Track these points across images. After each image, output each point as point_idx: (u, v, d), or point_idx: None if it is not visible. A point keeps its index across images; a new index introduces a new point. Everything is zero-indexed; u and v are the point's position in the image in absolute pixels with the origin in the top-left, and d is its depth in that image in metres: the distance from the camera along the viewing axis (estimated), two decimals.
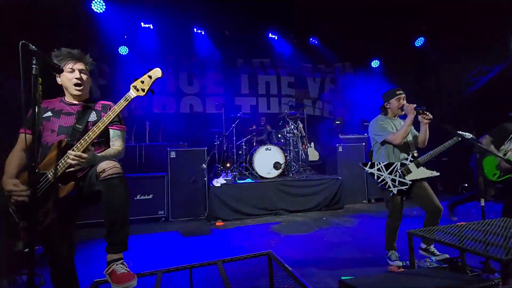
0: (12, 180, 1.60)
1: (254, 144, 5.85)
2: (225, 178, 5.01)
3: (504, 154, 3.44)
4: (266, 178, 5.34)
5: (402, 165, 2.63)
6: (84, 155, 1.53)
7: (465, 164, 3.97)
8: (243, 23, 6.96)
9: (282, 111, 7.38)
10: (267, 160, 5.40)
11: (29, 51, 1.47)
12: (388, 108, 2.80)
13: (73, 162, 1.52)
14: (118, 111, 1.65)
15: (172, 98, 7.26)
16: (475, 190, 3.57)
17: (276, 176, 5.43)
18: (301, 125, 6.33)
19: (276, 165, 5.43)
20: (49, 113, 1.79)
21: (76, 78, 1.79)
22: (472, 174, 3.99)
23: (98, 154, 1.68)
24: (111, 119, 1.63)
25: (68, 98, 1.88)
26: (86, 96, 1.91)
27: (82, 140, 1.59)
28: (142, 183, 4.78)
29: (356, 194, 5.77)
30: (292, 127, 5.96)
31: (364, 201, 5.79)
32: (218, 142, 5.62)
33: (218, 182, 4.86)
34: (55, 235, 1.68)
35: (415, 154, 2.69)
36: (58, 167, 1.59)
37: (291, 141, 5.88)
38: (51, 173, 1.59)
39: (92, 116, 1.80)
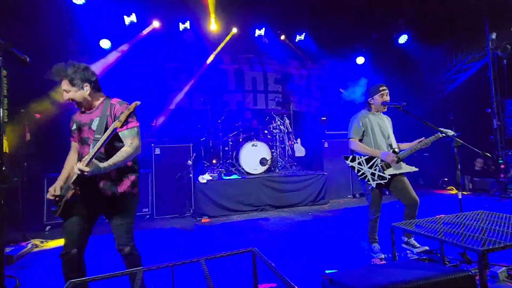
0: (57, 184, 1.88)
1: (241, 140, 5.81)
2: (211, 174, 4.96)
3: None
4: (253, 174, 5.33)
5: (382, 160, 2.68)
6: (86, 168, 1.61)
7: (446, 159, 4.12)
8: (230, 18, 6.88)
9: (268, 107, 7.36)
10: (253, 156, 5.38)
11: None
12: (372, 103, 2.83)
13: (78, 172, 1.62)
14: (102, 143, 1.68)
15: (159, 94, 7.09)
16: None
17: (262, 172, 5.43)
18: (287, 121, 6.33)
19: (263, 161, 5.42)
20: (74, 126, 1.95)
21: (66, 100, 1.86)
22: None
23: (105, 163, 1.73)
24: (98, 148, 1.66)
25: (82, 108, 1.96)
26: (91, 102, 1.93)
27: (87, 155, 1.68)
28: None
29: (341, 189, 5.86)
30: (279, 123, 5.96)
31: (349, 196, 5.89)
32: (204, 138, 5.55)
33: (203, 178, 4.81)
34: (78, 226, 1.83)
35: (396, 150, 2.74)
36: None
37: (277, 137, 5.88)
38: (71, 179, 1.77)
39: (107, 121, 1.87)
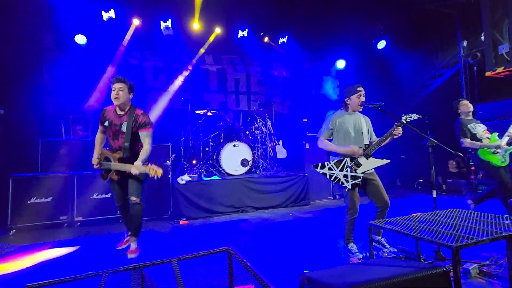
0: (95, 155, 3.02)
1: (222, 140, 5.73)
2: (190, 175, 4.84)
3: (487, 137, 3.64)
4: (233, 175, 5.26)
5: (352, 159, 2.70)
6: (140, 169, 2.67)
7: (421, 161, 4.26)
8: (213, 19, 6.81)
9: (251, 109, 7.33)
10: (234, 157, 5.32)
11: None
12: (348, 103, 2.86)
13: (136, 173, 2.68)
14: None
15: (136, 92, 6.87)
16: (494, 185, 3.76)
17: (243, 173, 5.37)
18: (269, 123, 6.32)
19: (244, 162, 5.37)
20: (106, 123, 2.93)
21: (114, 93, 2.81)
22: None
23: (139, 162, 2.73)
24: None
25: (117, 109, 2.90)
26: (126, 105, 2.90)
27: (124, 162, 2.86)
28: (100, 180, 4.42)
29: (321, 191, 5.91)
30: (261, 124, 5.94)
31: (329, 197, 5.95)
32: (183, 138, 5.42)
33: (182, 179, 4.69)
34: (119, 189, 3.04)
35: (366, 145, 2.78)
36: (116, 166, 2.87)
37: (259, 138, 5.85)
38: (111, 162, 2.92)
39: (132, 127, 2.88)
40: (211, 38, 7.13)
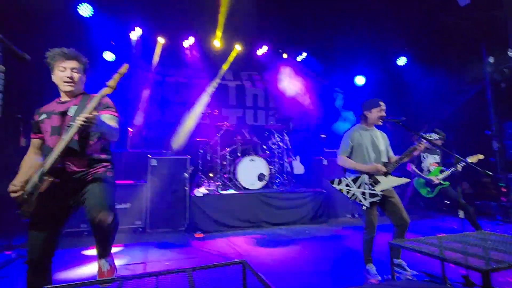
0: (13, 182, 1.73)
1: (239, 154, 5.76)
2: (207, 188, 4.88)
3: (428, 170, 4.17)
4: (250, 189, 5.24)
5: (370, 176, 2.62)
6: (93, 115, 1.61)
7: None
8: (233, 36, 7.04)
9: (268, 124, 7.37)
10: (251, 171, 5.31)
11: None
12: (368, 116, 2.81)
13: (82, 122, 1.59)
14: (94, 105, 1.71)
15: (158, 106, 7.14)
16: None
17: (260, 188, 5.33)
18: (287, 138, 6.31)
19: (260, 177, 5.34)
20: (43, 116, 1.90)
21: (66, 76, 1.89)
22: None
23: (103, 120, 1.77)
24: (93, 107, 1.69)
25: (62, 97, 1.98)
26: (77, 91, 2.00)
27: (63, 141, 1.67)
28: (120, 191, 4.56)
29: (340, 209, 5.73)
30: (278, 139, 5.94)
31: (348, 216, 5.75)
32: (202, 151, 5.50)
33: (199, 192, 4.72)
34: (43, 232, 1.76)
35: (385, 162, 2.70)
36: (49, 158, 1.67)
37: (276, 153, 5.84)
38: (43, 168, 1.67)
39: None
40: (232, 56, 7.36)
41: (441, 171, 4.09)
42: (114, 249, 3.63)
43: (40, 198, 1.68)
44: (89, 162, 1.88)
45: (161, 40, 6.76)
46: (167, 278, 1.51)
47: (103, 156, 1.97)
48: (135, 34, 6.51)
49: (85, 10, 5.42)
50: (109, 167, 1.98)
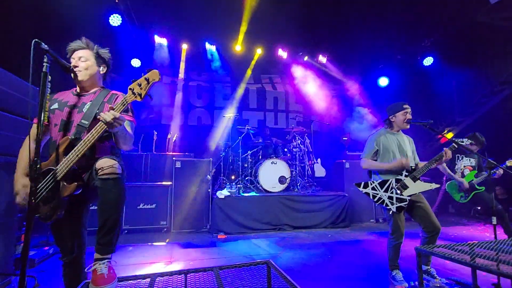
0: (23, 180, 1.65)
1: (260, 157, 5.81)
2: (229, 190, 4.95)
3: (462, 172, 3.92)
4: (271, 192, 5.26)
5: (397, 180, 2.56)
6: (117, 114, 1.52)
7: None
8: (254, 41, 7.14)
9: (289, 126, 7.38)
10: (272, 174, 5.34)
11: (41, 49, 1.52)
12: (393, 121, 2.76)
13: (111, 121, 1.50)
14: (121, 107, 1.63)
15: (181, 110, 7.37)
16: None
17: (281, 191, 5.34)
18: (308, 141, 6.29)
19: (282, 179, 5.36)
20: (55, 105, 1.78)
21: (73, 65, 1.78)
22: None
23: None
24: (120, 109, 1.61)
25: (77, 89, 1.87)
26: (92, 85, 1.88)
27: (86, 139, 1.59)
28: (146, 192, 4.76)
29: (363, 213, 5.61)
30: (299, 142, 5.93)
31: (371, 220, 5.62)
32: (223, 154, 5.61)
33: (222, 193, 4.81)
34: (65, 231, 1.72)
35: (413, 168, 2.63)
36: (62, 165, 1.60)
37: (297, 156, 5.83)
38: (57, 171, 1.60)
39: (100, 111, 1.73)
40: (255, 60, 7.48)
41: (476, 176, 3.85)
42: (140, 249, 3.80)
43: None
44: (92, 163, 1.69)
45: (184, 46, 6.99)
46: (195, 276, 1.57)
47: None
48: (159, 40, 6.78)
49: (115, 20, 5.73)
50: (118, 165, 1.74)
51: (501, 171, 3.60)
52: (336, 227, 5.10)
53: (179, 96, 7.33)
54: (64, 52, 1.90)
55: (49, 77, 1.56)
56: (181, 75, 7.45)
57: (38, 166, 1.44)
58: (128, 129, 1.77)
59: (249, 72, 7.60)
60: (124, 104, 1.62)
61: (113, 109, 1.56)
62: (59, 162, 1.61)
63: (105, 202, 1.52)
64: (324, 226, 5.07)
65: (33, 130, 1.73)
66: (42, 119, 1.48)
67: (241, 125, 6.17)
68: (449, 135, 6.80)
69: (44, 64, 1.52)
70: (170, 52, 7.00)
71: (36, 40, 1.47)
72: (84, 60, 1.82)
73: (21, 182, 1.65)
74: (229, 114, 6.43)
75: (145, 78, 1.63)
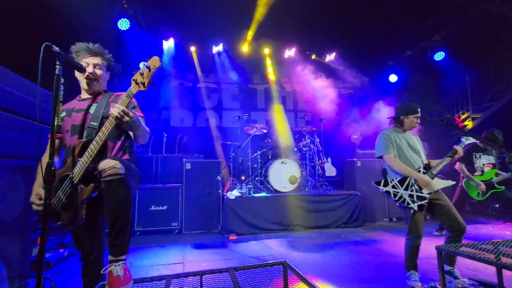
0: (38, 190, 1.65)
1: (270, 157, 5.77)
2: (240, 190, 4.93)
3: (482, 170, 3.87)
4: (282, 192, 5.22)
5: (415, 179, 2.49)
6: (130, 113, 1.55)
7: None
8: (262, 41, 7.13)
9: (298, 126, 7.32)
10: (282, 174, 5.29)
11: (52, 52, 1.52)
12: (404, 121, 2.71)
13: (118, 115, 1.53)
14: (127, 101, 1.65)
15: (190, 112, 7.40)
16: None
17: (291, 191, 5.29)
18: (317, 140, 6.21)
19: (292, 179, 5.30)
20: (63, 113, 1.82)
21: (89, 73, 1.80)
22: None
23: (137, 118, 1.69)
24: (126, 103, 1.63)
25: (82, 94, 1.91)
26: (100, 90, 1.92)
27: (98, 138, 1.60)
28: (157, 194, 4.78)
29: (376, 212, 5.51)
30: (309, 141, 5.86)
31: (385, 219, 5.51)
32: (233, 154, 5.59)
33: (232, 194, 4.79)
34: (82, 233, 1.71)
35: (429, 165, 2.55)
36: (77, 167, 1.61)
37: (307, 155, 5.76)
38: (72, 175, 1.61)
39: (106, 111, 1.76)
40: (266, 60, 7.51)
41: (497, 174, 3.77)
42: (153, 250, 3.81)
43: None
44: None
45: (192, 48, 7.04)
46: (211, 278, 1.55)
47: (126, 157, 1.83)
48: (167, 43, 6.83)
49: (123, 24, 5.79)
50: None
51: None
52: (349, 226, 5.01)
53: (187, 98, 7.37)
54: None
55: (62, 79, 1.57)
56: (187, 76, 7.50)
57: (52, 168, 1.45)
58: (143, 123, 1.81)
59: (272, 76, 7.71)
60: (130, 96, 1.63)
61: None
62: (75, 166, 1.62)
63: (111, 204, 1.50)
64: (337, 226, 4.99)
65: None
66: (55, 121, 1.48)
67: (250, 125, 6.14)
68: (469, 125, 6.60)
69: (57, 66, 1.53)
70: (178, 54, 7.05)
71: (47, 43, 1.47)
72: (99, 68, 1.87)
73: (36, 191, 1.65)
74: (238, 114, 6.42)
75: (146, 66, 1.62)
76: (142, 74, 1.62)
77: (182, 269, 3.00)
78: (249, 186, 5.14)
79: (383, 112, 6.93)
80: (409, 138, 2.74)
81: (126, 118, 1.56)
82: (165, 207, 4.76)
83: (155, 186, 4.86)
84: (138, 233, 4.61)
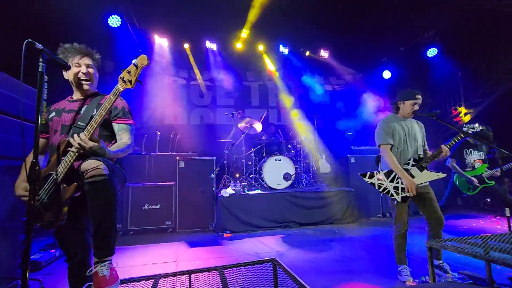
0: (23, 184, 1.64)
1: (264, 154, 5.76)
2: (234, 188, 4.91)
3: (473, 166, 3.96)
4: (276, 189, 5.21)
5: (404, 171, 2.50)
6: (89, 143, 1.48)
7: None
8: (255, 37, 7.08)
9: (293, 122, 7.32)
10: (277, 171, 5.29)
11: (35, 49, 1.49)
12: (400, 107, 2.67)
13: (76, 146, 1.48)
14: (109, 107, 1.60)
15: (184, 110, 7.34)
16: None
17: (286, 187, 5.29)
18: (312, 136, 6.22)
19: (286, 176, 5.30)
20: (53, 114, 1.81)
21: (82, 73, 1.80)
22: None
23: (110, 149, 1.62)
24: (102, 116, 1.58)
25: (74, 95, 1.89)
26: (93, 90, 1.91)
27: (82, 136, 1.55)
28: (150, 192, 4.75)
29: (370, 208, 5.55)
30: (303, 138, 5.86)
31: (378, 215, 5.55)
32: (227, 152, 5.57)
33: (226, 192, 4.77)
34: (67, 234, 1.69)
35: (421, 156, 2.56)
36: (61, 166, 1.59)
37: (301, 152, 5.76)
38: (55, 174, 1.60)
39: (96, 113, 1.69)
40: (264, 56, 7.56)
41: (487, 170, 3.85)
42: (146, 249, 3.79)
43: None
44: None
45: (186, 46, 6.97)
46: (200, 276, 1.54)
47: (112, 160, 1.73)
48: (160, 40, 6.75)
49: (114, 21, 5.70)
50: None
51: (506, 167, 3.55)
52: (343, 222, 5.04)
53: (181, 95, 7.32)
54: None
55: (46, 77, 1.53)
56: (180, 74, 7.44)
57: (37, 167, 1.42)
58: (127, 133, 1.79)
59: (275, 73, 7.69)
60: (116, 94, 1.60)
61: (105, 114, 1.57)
62: (59, 165, 1.60)
63: (95, 206, 1.45)
64: (331, 222, 5.01)
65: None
66: (39, 119, 1.45)
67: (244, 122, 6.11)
68: (467, 118, 6.66)
69: (40, 64, 1.49)
70: (171, 52, 6.97)
71: (29, 40, 1.43)
72: (91, 68, 1.86)
73: (22, 186, 1.64)
74: (232, 112, 6.38)
75: (134, 64, 1.60)
76: (129, 72, 1.60)
77: (175, 267, 2.98)
78: (243, 183, 5.13)
79: (371, 104, 6.97)
80: (410, 125, 2.69)
81: (86, 148, 1.49)
82: (158, 206, 4.73)
83: (148, 185, 4.83)
84: (132, 232, 4.58)
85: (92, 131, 1.54)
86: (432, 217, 2.49)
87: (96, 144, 1.50)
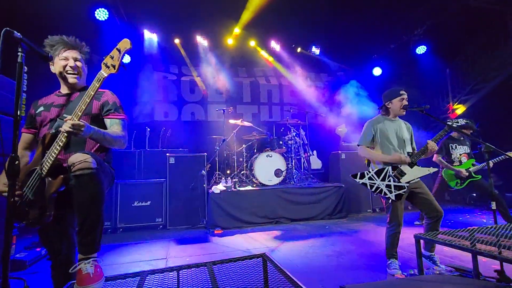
0: (4, 179, 1.56)
1: (255, 151, 5.74)
2: (225, 185, 4.88)
3: (460, 161, 4.00)
4: (267, 185, 5.21)
5: (394, 168, 2.52)
6: (82, 123, 1.43)
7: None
8: (245, 33, 7.02)
9: (284, 119, 7.31)
10: (268, 167, 5.28)
11: (14, 38, 1.42)
12: (390, 108, 2.70)
13: (69, 129, 1.41)
14: (93, 94, 1.53)
15: (174, 106, 7.25)
16: None
17: (277, 184, 5.29)
18: (303, 133, 6.23)
19: (277, 172, 5.30)
20: (41, 108, 1.76)
21: (70, 67, 1.75)
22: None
23: (95, 128, 1.55)
24: (87, 103, 1.51)
25: (62, 89, 1.84)
26: (82, 84, 1.86)
27: (73, 114, 1.50)
28: (140, 189, 4.67)
29: (360, 203, 5.60)
30: (294, 134, 5.86)
31: (368, 210, 5.61)
32: (218, 148, 5.52)
33: (217, 188, 4.74)
34: (51, 232, 1.63)
35: (410, 154, 2.59)
36: (45, 160, 1.54)
37: (293, 148, 5.76)
38: (40, 167, 1.54)
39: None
40: (258, 51, 7.52)
41: (474, 164, 3.91)
42: (136, 247, 3.73)
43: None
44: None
45: (176, 41, 6.86)
46: (188, 272, 1.51)
47: (101, 156, 1.73)
48: (150, 35, 6.63)
49: (101, 14, 5.56)
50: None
51: (492, 163, 3.62)
52: (334, 218, 5.08)
53: (171, 91, 7.21)
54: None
55: (25, 68, 1.47)
56: (171, 69, 7.33)
57: (16, 162, 1.36)
58: (119, 127, 1.74)
59: (280, 68, 7.72)
60: (100, 80, 1.55)
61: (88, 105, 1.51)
62: (43, 158, 1.56)
63: (81, 201, 1.40)
64: (322, 218, 5.04)
65: (23, 137, 1.78)
66: (19, 110, 1.39)
67: (235, 118, 6.08)
68: (462, 109, 6.79)
69: (19, 53, 1.43)
70: (161, 47, 6.86)
71: (7, 28, 1.37)
72: (79, 62, 1.81)
73: (3, 181, 1.58)
74: (223, 108, 6.33)
75: (116, 48, 1.56)
76: (112, 58, 1.55)
77: (165, 264, 2.95)
78: (234, 180, 5.11)
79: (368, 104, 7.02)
80: (398, 126, 2.72)
81: (78, 132, 1.43)
82: (148, 203, 4.66)
83: (138, 182, 4.75)
84: (121, 229, 4.50)
85: (80, 115, 1.49)
86: (432, 211, 2.50)
87: (85, 126, 1.46)
